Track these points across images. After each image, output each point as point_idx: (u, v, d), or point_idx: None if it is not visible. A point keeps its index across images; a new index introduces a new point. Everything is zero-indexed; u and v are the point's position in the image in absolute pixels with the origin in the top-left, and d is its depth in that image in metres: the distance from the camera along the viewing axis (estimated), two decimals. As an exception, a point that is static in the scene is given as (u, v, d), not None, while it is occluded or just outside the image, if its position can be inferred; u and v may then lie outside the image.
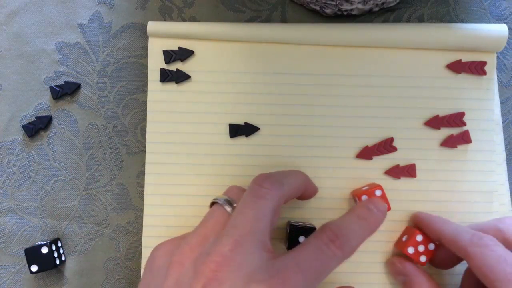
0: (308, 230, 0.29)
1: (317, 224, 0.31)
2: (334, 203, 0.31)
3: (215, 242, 0.23)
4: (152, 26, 0.32)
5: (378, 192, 0.29)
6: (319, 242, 0.23)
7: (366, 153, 0.31)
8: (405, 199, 0.31)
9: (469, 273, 0.29)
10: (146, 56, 0.33)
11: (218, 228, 0.24)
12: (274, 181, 0.25)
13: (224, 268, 0.21)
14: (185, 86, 0.32)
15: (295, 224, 0.30)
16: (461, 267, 0.30)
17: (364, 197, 0.29)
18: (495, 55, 0.32)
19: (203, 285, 0.21)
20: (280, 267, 0.22)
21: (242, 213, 0.24)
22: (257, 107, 0.32)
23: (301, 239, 0.29)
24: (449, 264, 0.29)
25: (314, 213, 0.31)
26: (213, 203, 0.26)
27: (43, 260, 0.30)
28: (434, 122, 0.31)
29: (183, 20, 0.33)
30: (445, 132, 0.31)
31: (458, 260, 0.29)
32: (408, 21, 0.33)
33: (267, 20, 0.33)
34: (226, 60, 0.32)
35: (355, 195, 0.30)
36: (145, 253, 0.31)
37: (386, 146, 0.31)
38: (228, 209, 0.25)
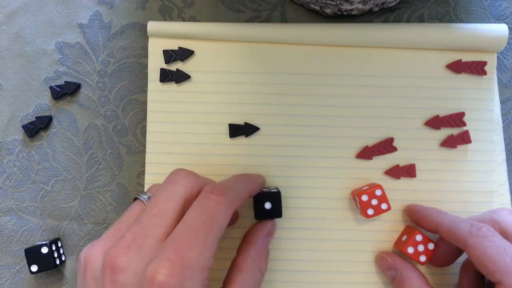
0: (273, 194, 0.29)
1: (318, 224, 0.31)
2: (334, 203, 0.31)
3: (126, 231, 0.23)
4: (152, 26, 0.32)
5: (378, 192, 0.29)
6: (200, 199, 0.24)
7: (366, 153, 0.31)
8: (405, 199, 0.31)
9: (466, 265, 0.29)
10: (146, 56, 0.33)
11: (131, 220, 0.24)
12: (189, 171, 0.26)
13: (123, 251, 0.22)
14: (185, 86, 0.32)
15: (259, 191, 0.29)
16: (459, 268, 0.30)
17: (364, 197, 0.29)
18: (495, 55, 0.32)
19: (110, 278, 0.21)
20: (173, 238, 0.22)
21: (154, 196, 0.24)
22: (257, 107, 0.32)
23: (267, 205, 0.28)
24: (447, 261, 0.29)
25: (314, 213, 0.31)
26: (135, 199, 0.27)
27: (43, 260, 0.30)
28: (434, 122, 0.31)
29: (183, 20, 0.33)
30: (445, 132, 0.31)
31: (456, 256, 0.29)
32: (408, 21, 0.33)
33: (267, 20, 0.33)
34: (226, 60, 0.32)
35: (355, 195, 0.30)
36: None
37: (386, 146, 0.31)
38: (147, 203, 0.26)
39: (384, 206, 0.29)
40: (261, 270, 0.27)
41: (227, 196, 0.24)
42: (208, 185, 0.25)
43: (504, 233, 0.26)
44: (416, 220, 0.30)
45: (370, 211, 0.29)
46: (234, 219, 0.30)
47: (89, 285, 0.23)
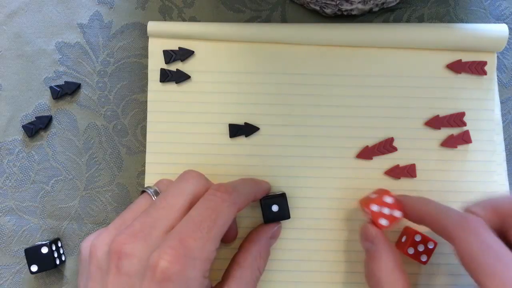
0: (278, 197, 0.30)
1: (317, 224, 0.31)
2: (334, 203, 0.31)
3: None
4: (152, 26, 0.32)
5: (388, 200, 0.27)
6: (206, 196, 0.25)
7: (366, 153, 0.31)
8: (405, 199, 0.31)
9: None
10: (146, 56, 0.33)
11: (137, 212, 0.25)
12: (200, 173, 0.27)
13: (130, 239, 0.22)
14: (185, 86, 0.32)
15: (264, 196, 0.30)
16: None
17: (373, 207, 0.27)
18: (495, 55, 0.32)
19: (116, 264, 0.22)
20: (178, 229, 0.23)
21: (165, 191, 0.25)
22: (257, 107, 0.32)
23: (275, 208, 0.29)
24: None
25: (313, 213, 0.31)
26: (142, 192, 0.27)
27: (43, 260, 0.30)
28: (434, 122, 0.31)
29: (183, 20, 0.33)
30: (445, 132, 0.31)
31: None
32: (408, 21, 0.33)
33: (267, 20, 0.33)
34: (226, 60, 0.32)
35: (364, 205, 0.28)
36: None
37: (386, 146, 0.31)
38: (154, 197, 0.26)
39: (397, 213, 0.27)
40: (259, 269, 0.27)
41: (233, 195, 0.25)
42: (215, 184, 0.26)
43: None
44: (404, 214, 0.28)
45: (383, 222, 0.27)
46: (232, 236, 0.31)
47: (93, 273, 0.23)
